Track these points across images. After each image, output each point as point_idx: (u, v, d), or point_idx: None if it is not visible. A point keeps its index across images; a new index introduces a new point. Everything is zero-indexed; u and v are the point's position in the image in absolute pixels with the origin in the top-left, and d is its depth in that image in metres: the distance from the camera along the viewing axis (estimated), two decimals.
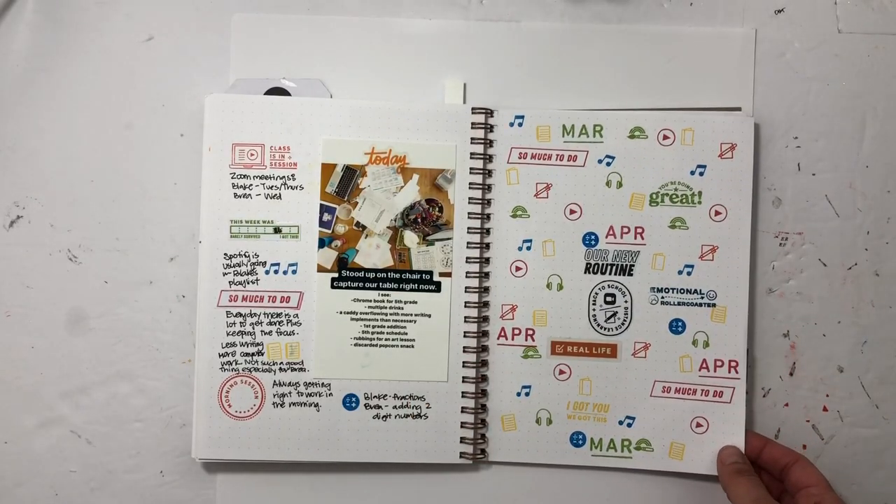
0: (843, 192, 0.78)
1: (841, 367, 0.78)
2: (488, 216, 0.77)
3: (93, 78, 0.77)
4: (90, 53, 0.77)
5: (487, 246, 0.77)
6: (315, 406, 0.76)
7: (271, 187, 0.75)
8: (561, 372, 0.77)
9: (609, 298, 0.77)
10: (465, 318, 0.76)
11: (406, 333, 0.76)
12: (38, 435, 0.76)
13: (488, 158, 0.76)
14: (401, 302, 0.76)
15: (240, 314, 0.75)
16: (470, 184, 0.76)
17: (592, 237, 0.77)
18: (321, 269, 0.76)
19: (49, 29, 0.77)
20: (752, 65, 0.78)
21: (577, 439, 0.77)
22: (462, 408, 0.76)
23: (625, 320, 0.77)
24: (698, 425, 0.77)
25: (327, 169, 0.76)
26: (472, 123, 0.76)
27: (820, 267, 0.78)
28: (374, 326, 0.76)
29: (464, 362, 0.76)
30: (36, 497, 0.76)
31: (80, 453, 0.77)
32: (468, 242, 0.76)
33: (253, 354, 0.75)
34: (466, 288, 0.76)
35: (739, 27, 0.78)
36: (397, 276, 0.76)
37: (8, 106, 0.76)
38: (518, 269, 0.77)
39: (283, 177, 0.76)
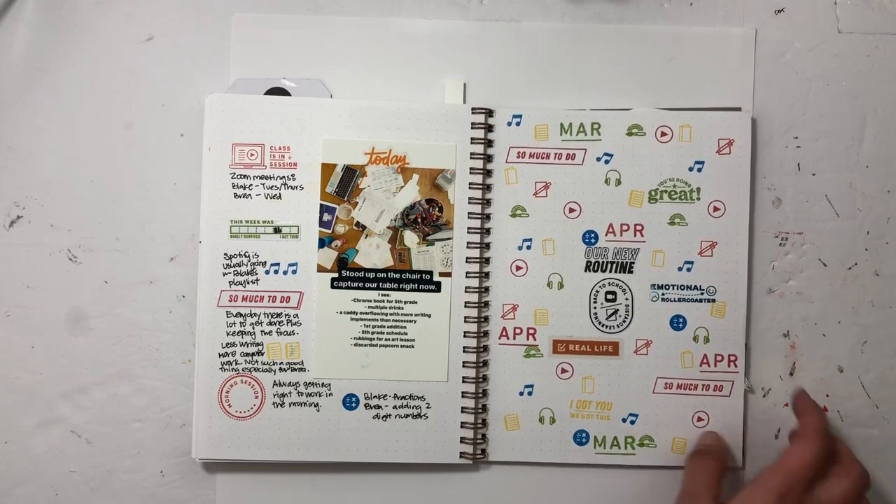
0: (843, 192, 0.78)
1: (841, 367, 0.78)
2: (488, 216, 0.77)
3: (93, 78, 0.77)
4: (90, 53, 0.77)
5: (487, 246, 0.77)
6: (315, 406, 0.75)
7: (271, 187, 0.75)
8: (563, 371, 0.77)
9: (610, 296, 0.77)
10: (465, 318, 0.76)
11: (406, 333, 0.76)
12: (38, 435, 0.76)
13: (488, 158, 0.76)
14: (401, 302, 0.76)
15: (240, 314, 0.75)
16: (470, 184, 0.76)
17: (592, 235, 0.77)
18: (321, 269, 0.76)
19: (49, 29, 0.77)
20: (752, 65, 0.78)
21: (581, 438, 0.77)
22: (462, 408, 0.76)
23: (626, 318, 0.77)
24: (699, 419, 0.77)
25: (327, 169, 0.76)
26: (472, 123, 0.76)
27: (820, 267, 0.78)
28: (374, 326, 0.76)
29: (464, 362, 0.76)
30: (36, 497, 0.76)
31: (80, 453, 0.76)
32: (468, 242, 0.76)
33: (253, 354, 0.75)
34: (466, 288, 0.76)
35: (739, 27, 0.78)
36: (397, 276, 0.76)
37: (8, 106, 0.76)
38: (518, 268, 0.77)
39: (283, 177, 0.76)
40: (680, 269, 0.77)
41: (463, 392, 0.76)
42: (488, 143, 0.76)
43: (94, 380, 0.76)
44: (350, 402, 0.76)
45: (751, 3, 0.79)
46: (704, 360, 0.77)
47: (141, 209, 0.77)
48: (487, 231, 0.77)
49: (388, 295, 0.76)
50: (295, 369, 0.75)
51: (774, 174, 0.78)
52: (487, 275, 0.77)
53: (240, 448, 0.75)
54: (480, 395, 0.76)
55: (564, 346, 0.77)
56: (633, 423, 0.77)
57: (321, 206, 0.76)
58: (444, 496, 0.77)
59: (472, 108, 0.76)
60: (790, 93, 0.79)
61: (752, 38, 0.78)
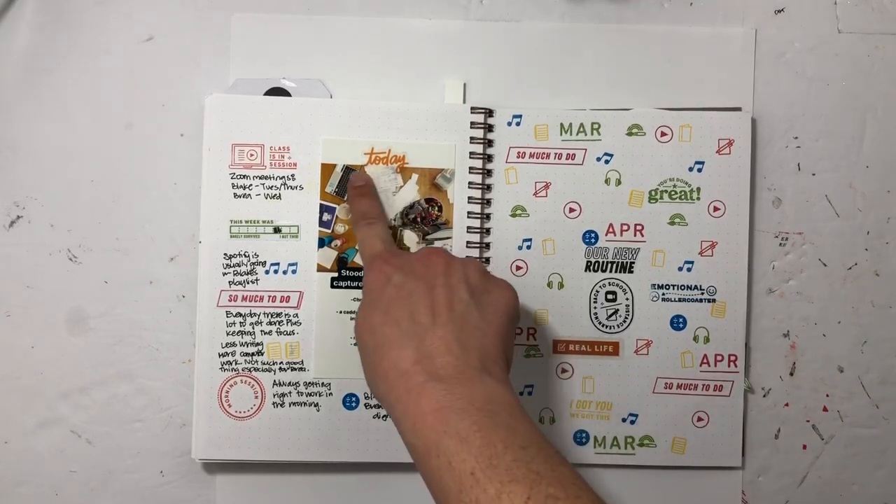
0: (843, 192, 0.79)
1: (841, 367, 0.79)
2: (488, 216, 0.77)
3: (93, 78, 0.77)
4: (90, 53, 0.77)
5: (487, 245, 0.77)
6: (315, 406, 0.75)
7: (271, 187, 0.75)
8: (563, 371, 0.77)
9: (610, 296, 0.77)
10: None
11: None
12: (39, 435, 0.76)
13: (488, 158, 0.76)
14: None
15: (240, 314, 0.75)
16: (469, 183, 0.76)
17: (592, 235, 0.77)
18: (321, 269, 0.76)
19: (49, 29, 0.76)
20: (752, 65, 0.78)
21: (581, 438, 0.77)
22: None
23: (626, 318, 0.77)
24: (699, 419, 0.77)
25: (327, 169, 0.76)
26: (472, 123, 0.76)
27: (820, 267, 0.78)
28: None
29: None
30: (36, 497, 0.76)
31: (80, 453, 0.76)
32: (468, 242, 0.76)
33: (253, 354, 0.75)
34: None
35: (739, 27, 0.78)
36: None
37: (8, 106, 0.76)
38: (518, 268, 0.77)
39: (283, 177, 0.76)
40: (680, 269, 0.77)
41: None
42: (488, 143, 0.76)
43: (94, 380, 0.76)
44: (350, 401, 0.76)
45: (751, 3, 0.79)
46: (704, 360, 0.77)
47: (141, 209, 0.77)
48: (487, 231, 0.77)
49: None
50: (295, 369, 0.75)
51: (774, 174, 0.78)
52: None
53: (240, 448, 0.75)
54: None
55: (564, 346, 0.77)
56: (633, 422, 0.77)
57: (321, 205, 0.76)
58: None
59: (472, 108, 0.76)
60: (790, 93, 0.79)
61: (752, 38, 0.78)
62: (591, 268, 0.77)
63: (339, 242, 0.76)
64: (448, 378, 0.58)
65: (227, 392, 0.75)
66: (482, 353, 0.61)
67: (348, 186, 0.75)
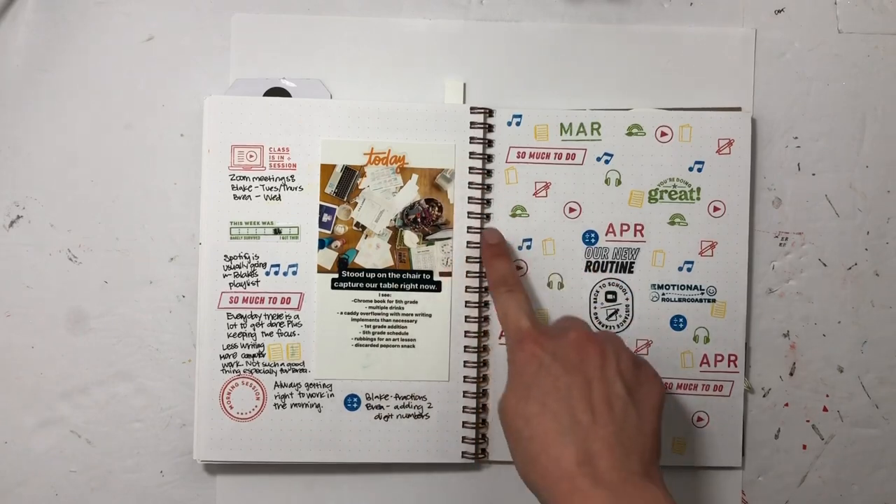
0: (843, 192, 0.79)
1: (841, 367, 0.79)
2: (488, 216, 0.76)
3: (93, 78, 0.77)
4: (90, 53, 0.77)
5: None
6: (317, 407, 0.75)
7: (271, 188, 0.75)
8: None
9: (610, 296, 0.77)
10: (466, 317, 0.76)
11: (407, 333, 0.76)
12: (38, 435, 0.76)
13: (488, 158, 0.76)
14: (401, 302, 0.76)
15: (240, 315, 0.75)
16: (469, 183, 0.76)
17: (592, 235, 0.77)
18: (321, 270, 0.76)
19: (49, 29, 0.76)
20: (752, 65, 0.78)
21: None
22: (463, 407, 0.76)
23: (626, 318, 0.77)
24: (699, 420, 0.77)
25: (326, 170, 0.76)
26: (472, 123, 0.76)
27: (820, 267, 0.78)
28: (374, 327, 0.76)
29: (465, 362, 0.76)
30: (36, 497, 0.76)
31: (80, 453, 0.76)
32: (468, 242, 0.76)
33: (254, 356, 0.75)
34: (467, 287, 0.76)
35: (739, 27, 0.78)
36: (397, 276, 0.76)
37: (8, 106, 0.76)
38: (518, 268, 0.77)
39: (283, 178, 0.76)
40: (680, 269, 0.77)
41: (464, 392, 0.76)
42: (488, 143, 0.76)
43: (94, 380, 0.76)
44: (351, 402, 0.76)
45: (751, 3, 0.79)
46: (704, 360, 0.77)
47: (141, 209, 0.77)
48: None
49: (388, 295, 0.76)
50: (296, 370, 0.75)
51: (774, 174, 0.78)
52: None
53: (241, 450, 0.75)
54: (481, 395, 0.76)
55: None
56: None
57: (321, 206, 0.76)
58: (446, 496, 0.77)
59: (472, 108, 0.76)
60: (790, 93, 0.79)
61: (752, 38, 0.78)
62: (591, 268, 0.77)
63: (339, 243, 0.76)
64: (612, 485, 0.58)
65: (229, 394, 0.75)
66: (642, 457, 0.61)
67: (482, 243, 0.76)
